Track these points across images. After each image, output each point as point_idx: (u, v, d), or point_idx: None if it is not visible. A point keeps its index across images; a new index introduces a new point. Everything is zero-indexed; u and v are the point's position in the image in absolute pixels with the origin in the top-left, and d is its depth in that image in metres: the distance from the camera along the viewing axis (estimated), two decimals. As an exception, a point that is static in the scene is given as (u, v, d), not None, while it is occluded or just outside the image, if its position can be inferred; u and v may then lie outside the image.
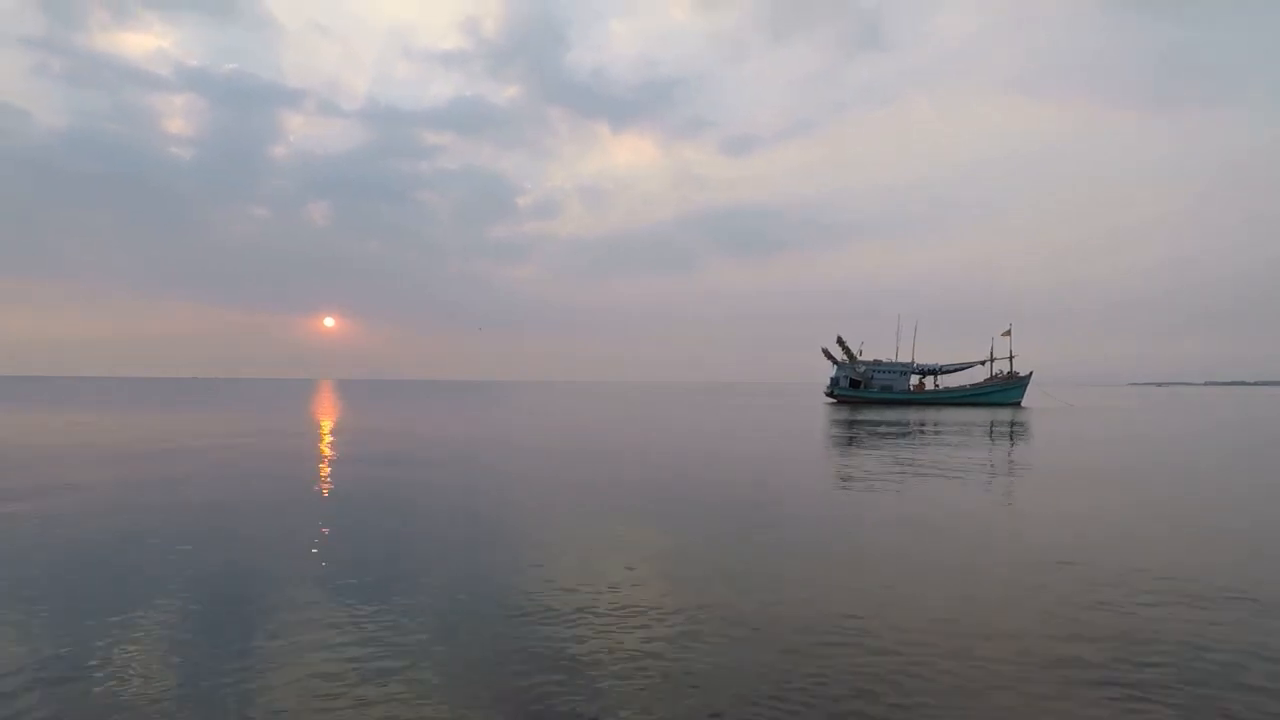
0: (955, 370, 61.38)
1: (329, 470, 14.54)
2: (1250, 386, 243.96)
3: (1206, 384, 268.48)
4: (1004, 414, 42.51)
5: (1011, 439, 23.99)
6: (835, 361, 62.29)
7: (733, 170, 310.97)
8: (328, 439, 22.29)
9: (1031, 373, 59.04)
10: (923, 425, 30.89)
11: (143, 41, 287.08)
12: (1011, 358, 59.55)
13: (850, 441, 22.66)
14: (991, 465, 16.09)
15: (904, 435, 25.00)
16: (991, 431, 27.35)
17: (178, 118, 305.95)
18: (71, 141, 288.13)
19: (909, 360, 61.93)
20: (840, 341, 62.04)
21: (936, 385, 61.50)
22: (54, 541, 7.99)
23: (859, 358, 61.71)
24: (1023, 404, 57.25)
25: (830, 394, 61.89)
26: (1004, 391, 58.63)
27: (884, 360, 61.90)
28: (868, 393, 60.33)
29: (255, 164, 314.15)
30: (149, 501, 10.55)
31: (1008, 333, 59.43)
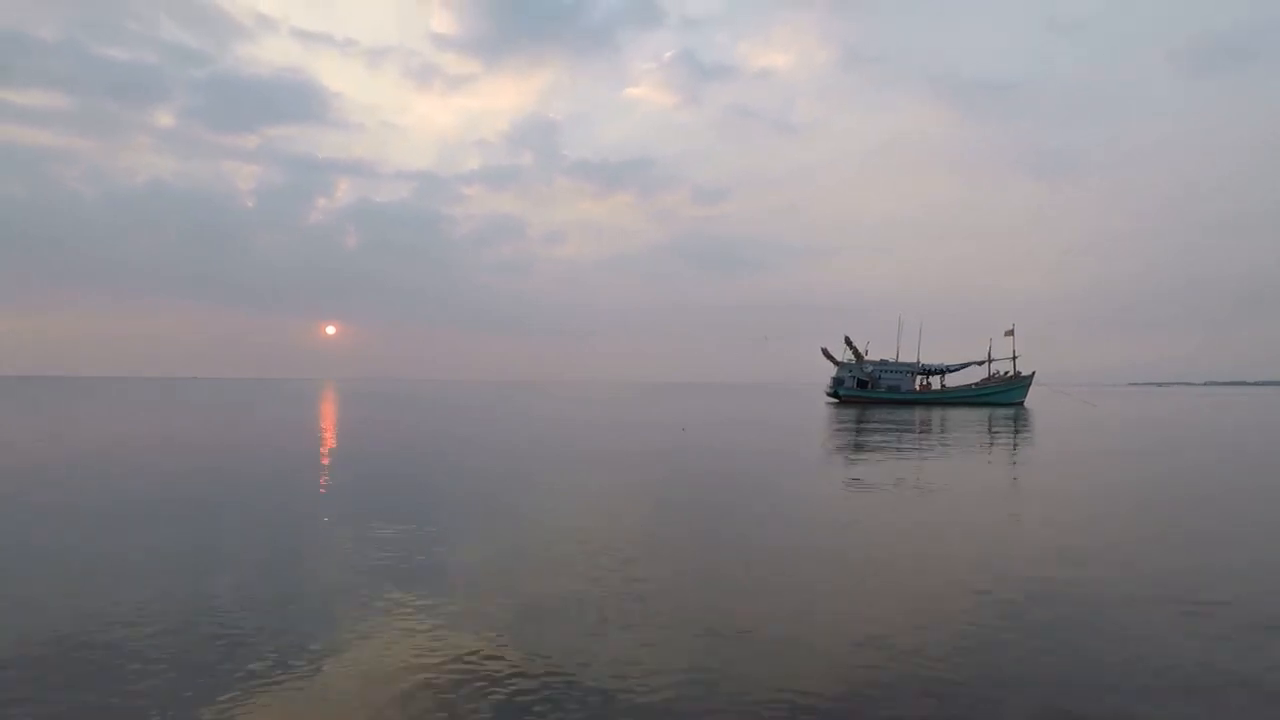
0: (959, 370, 62.04)
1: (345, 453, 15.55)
2: (1250, 386, 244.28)
3: (1207, 384, 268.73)
4: (1006, 412, 43.60)
5: (1010, 432, 24.98)
6: (837, 362, 62.45)
7: (705, 212, 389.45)
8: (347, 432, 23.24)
9: (1034, 372, 59.87)
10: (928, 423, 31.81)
11: (249, 140, 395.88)
12: (1015, 358, 60.33)
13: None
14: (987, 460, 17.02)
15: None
16: (991, 426, 28.36)
17: (251, 180, 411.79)
18: (158, 192, 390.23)
19: (914, 360, 62.55)
20: (848, 342, 62.13)
21: (943, 385, 62.21)
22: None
23: (865, 358, 62.12)
24: (1025, 403, 58.11)
25: (833, 394, 61.69)
26: (1007, 391, 59.43)
27: (890, 360, 62.42)
28: (874, 393, 60.82)
29: (305, 207, 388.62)
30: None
31: (1010, 333, 60.27)
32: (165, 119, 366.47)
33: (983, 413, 43.55)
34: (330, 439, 22.27)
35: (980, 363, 60.68)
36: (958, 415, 39.90)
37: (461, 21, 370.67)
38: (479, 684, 4.30)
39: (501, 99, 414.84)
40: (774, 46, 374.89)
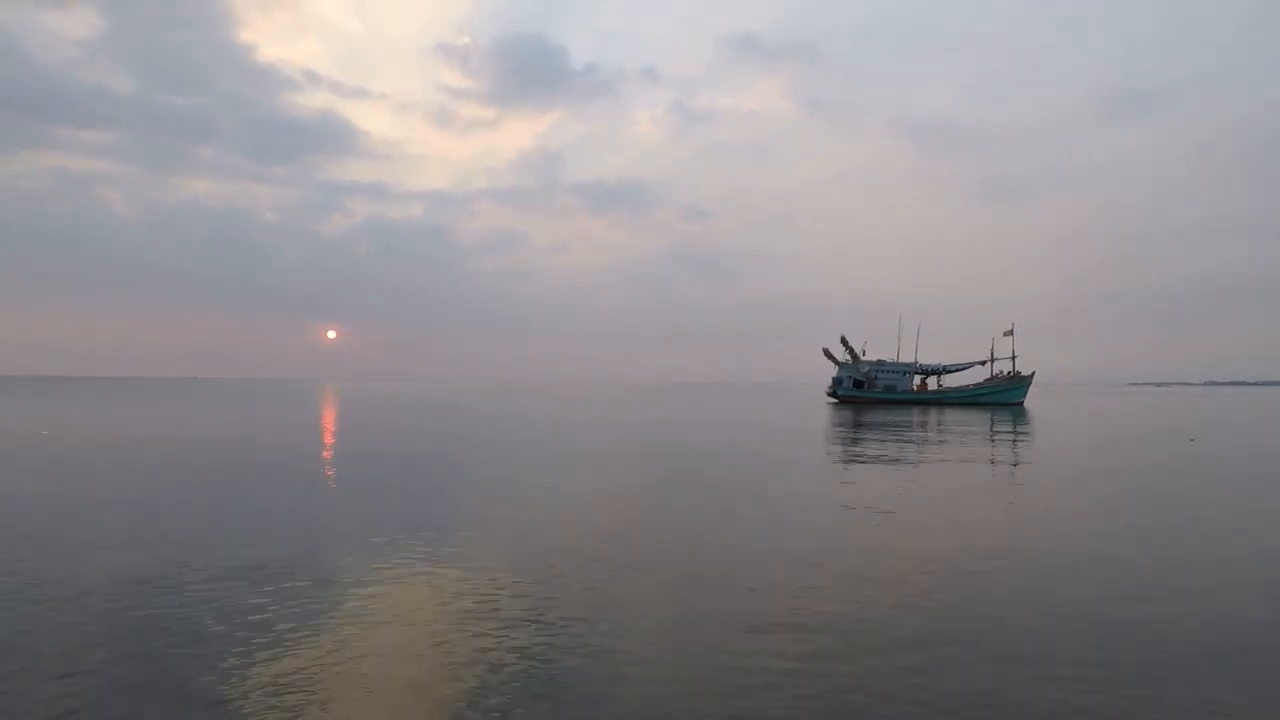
0: (957, 370, 62.22)
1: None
2: (1250, 386, 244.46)
3: (1206, 384, 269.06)
4: (1002, 412, 43.89)
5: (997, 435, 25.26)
6: (837, 362, 62.71)
7: (696, 227, 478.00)
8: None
9: (1034, 373, 59.99)
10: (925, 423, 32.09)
11: (279, 170, 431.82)
12: (1014, 358, 60.46)
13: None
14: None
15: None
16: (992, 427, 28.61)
17: (275, 199, 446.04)
18: (188, 209, 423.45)
19: (911, 360, 62.75)
20: (844, 341, 62.44)
21: (940, 385, 62.40)
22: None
23: (862, 358, 62.35)
24: (1024, 404, 58.28)
25: (833, 394, 62.20)
26: (1006, 391, 59.53)
27: (887, 360, 62.65)
28: (871, 393, 61.08)
29: (323, 221, 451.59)
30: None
31: (1009, 333, 60.41)
32: (207, 151, 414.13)
33: (978, 413, 43.83)
34: (335, 438, 22.60)
35: (982, 363, 60.77)
36: (953, 415, 40.18)
37: (483, 80, 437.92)
38: (477, 676, 4.64)
39: (512, 138, 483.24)
40: (749, 99, 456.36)
